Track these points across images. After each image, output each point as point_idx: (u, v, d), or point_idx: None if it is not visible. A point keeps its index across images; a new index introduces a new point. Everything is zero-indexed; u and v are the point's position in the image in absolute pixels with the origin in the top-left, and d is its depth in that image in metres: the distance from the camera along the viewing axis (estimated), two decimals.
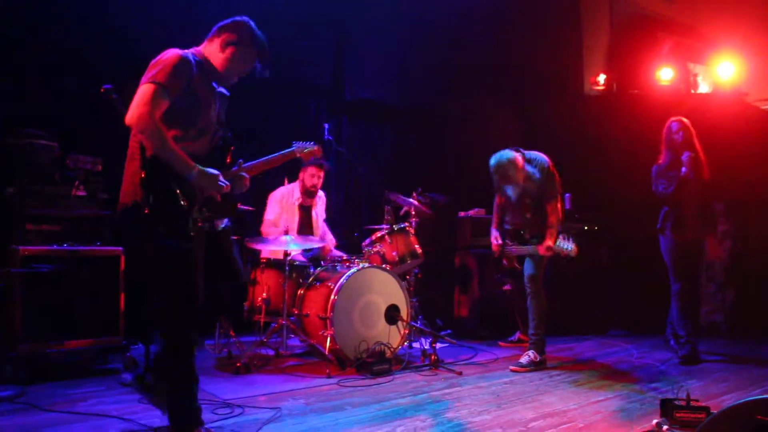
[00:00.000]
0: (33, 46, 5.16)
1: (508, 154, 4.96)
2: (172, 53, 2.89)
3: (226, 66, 3.08)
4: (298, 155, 4.10)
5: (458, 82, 7.73)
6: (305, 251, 5.78)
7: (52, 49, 5.24)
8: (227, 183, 2.98)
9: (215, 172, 2.93)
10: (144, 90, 2.77)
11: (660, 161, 5.45)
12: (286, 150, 3.93)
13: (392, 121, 7.83)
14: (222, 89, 3.28)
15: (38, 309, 4.16)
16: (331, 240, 6.00)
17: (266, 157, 3.61)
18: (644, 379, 4.58)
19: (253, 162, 3.45)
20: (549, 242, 4.86)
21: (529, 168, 5.00)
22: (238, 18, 3.13)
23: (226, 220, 3.26)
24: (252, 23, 3.14)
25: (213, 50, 3.08)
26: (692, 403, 3.33)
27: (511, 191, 5.12)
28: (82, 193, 4.63)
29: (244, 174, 3.18)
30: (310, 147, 4.26)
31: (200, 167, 2.86)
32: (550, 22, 7.94)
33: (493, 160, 4.99)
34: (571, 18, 8.29)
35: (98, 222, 4.68)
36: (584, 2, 8.41)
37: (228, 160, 3.15)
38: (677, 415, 3.32)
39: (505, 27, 7.79)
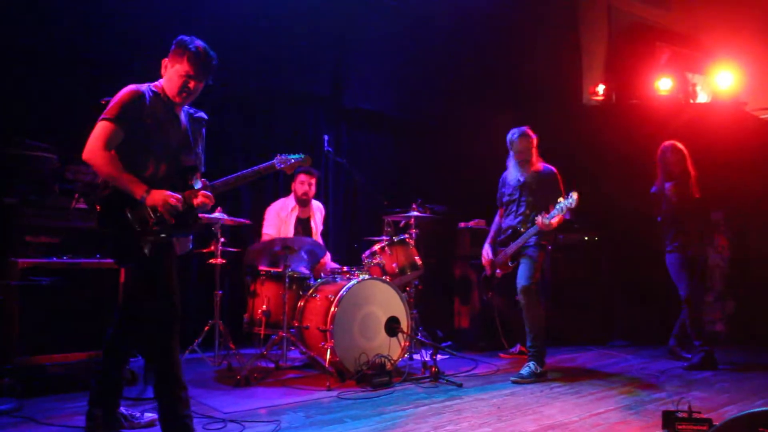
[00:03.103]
0: (33, 58, 5.16)
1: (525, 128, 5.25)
2: (125, 90, 3.13)
3: (169, 85, 3.18)
4: (279, 168, 3.63)
5: (457, 93, 7.74)
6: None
7: (52, 60, 5.25)
8: (179, 199, 3.07)
9: (166, 191, 3.05)
10: (97, 127, 3.05)
11: (656, 186, 5.69)
12: (266, 163, 3.55)
13: (392, 132, 7.84)
14: (201, 113, 3.46)
15: (36, 322, 4.14)
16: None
17: (240, 173, 3.42)
18: (645, 390, 4.56)
19: (225, 178, 3.36)
20: (544, 217, 4.90)
21: (537, 161, 5.20)
22: None
23: (190, 245, 3.44)
24: (185, 36, 3.18)
25: (163, 79, 3.22)
26: (694, 415, 3.31)
27: (514, 186, 5.23)
28: (81, 205, 4.61)
29: (207, 192, 3.22)
30: (296, 158, 3.71)
31: (151, 189, 3.03)
32: (548, 33, 7.97)
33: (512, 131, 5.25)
34: (570, 29, 8.32)
35: (98, 234, 4.64)
36: (582, 13, 8.45)
37: (191, 182, 3.25)
38: (679, 427, 3.30)
39: (504, 37, 7.82)
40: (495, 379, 4.91)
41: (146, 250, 3.06)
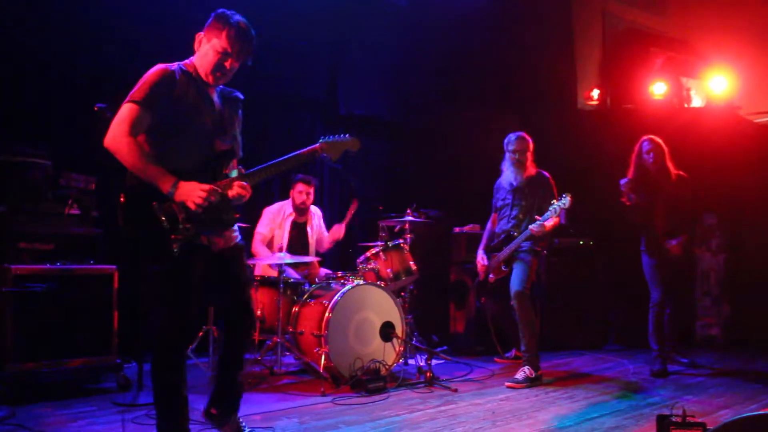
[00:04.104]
0: (27, 64, 5.16)
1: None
2: (154, 68, 2.89)
3: (203, 62, 2.94)
4: (323, 155, 3.31)
5: (453, 98, 7.75)
6: (297, 268, 5.75)
7: (46, 67, 5.24)
8: (211, 191, 2.82)
9: (195, 184, 2.81)
10: (121, 110, 2.80)
11: (628, 176, 5.46)
12: (307, 148, 3.26)
13: (387, 137, 7.84)
14: (237, 93, 3.24)
15: (30, 328, 4.11)
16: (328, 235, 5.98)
17: (278, 159, 3.14)
18: (640, 394, 4.56)
19: (261, 166, 3.11)
20: (538, 221, 4.89)
21: (531, 166, 5.21)
22: None
23: (238, 236, 3.16)
24: (225, 10, 2.96)
25: (196, 55, 3.01)
26: (688, 419, 3.29)
27: (507, 191, 5.24)
28: (75, 211, 4.61)
29: (244, 183, 3.01)
30: (341, 139, 3.44)
31: (181, 181, 2.78)
32: (543, 39, 7.98)
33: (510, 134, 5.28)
34: (565, 34, 8.33)
35: (91, 240, 4.65)
36: (577, 18, 8.46)
37: (226, 171, 3.04)
38: (673, 431, 3.29)
39: (499, 43, 7.83)
40: (490, 384, 4.90)
41: (175, 251, 2.77)
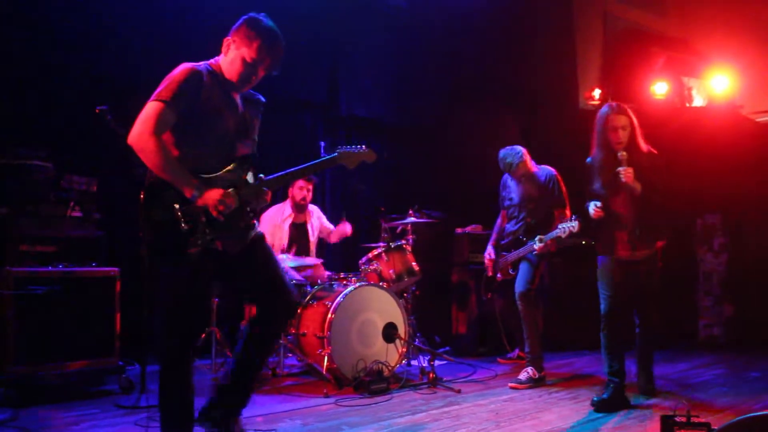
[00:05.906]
0: (28, 66, 5.16)
1: (518, 147, 5.14)
2: (181, 67, 2.85)
3: (230, 68, 2.92)
4: (340, 162, 3.35)
5: (454, 98, 7.75)
6: (300, 270, 5.74)
7: (47, 69, 5.25)
8: (231, 203, 2.82)
9: (220, 190, 2.80)
10: (147, 108, 2.76)
11: (591, 156, 4.34)
12: (325, 157, 3.30)
13: (388, 138, 7.84)
14: (258, 96, 3.21)
15: (32, 331, 4.11)
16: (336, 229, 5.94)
17: (296, 168, 3.15)
18: (644, 394, 4.54)
19: (278, 174, 3.09)
20: (542, 236, 4.81)
21: (534, 168, 5.14)
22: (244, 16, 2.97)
23: (255, 229, 3.11)
24: (257, 15, 2.95)
25: (223, 58, 2.98)
26: (693, 419, 3.28)
27: (514, 191, 5.21)
28: (77, 213, 4.60)
29: (264, 189, 3.01)
30: (359, 150, 3.48)
31: (205, 186, 2.78)
32: (544, 39, 7.98)
33: (502, 151, 5.16)
34: (565, 34, 8.33)
35: (93, 242, 4.64)
36: (578, 18, 8.46)
37: (245, 176, 2.99)
38: (678, 431, 3.28)
39: (500, 43, 7.84)
40: (493, 385, 4.89)
41: (192, 254, 2.76)
